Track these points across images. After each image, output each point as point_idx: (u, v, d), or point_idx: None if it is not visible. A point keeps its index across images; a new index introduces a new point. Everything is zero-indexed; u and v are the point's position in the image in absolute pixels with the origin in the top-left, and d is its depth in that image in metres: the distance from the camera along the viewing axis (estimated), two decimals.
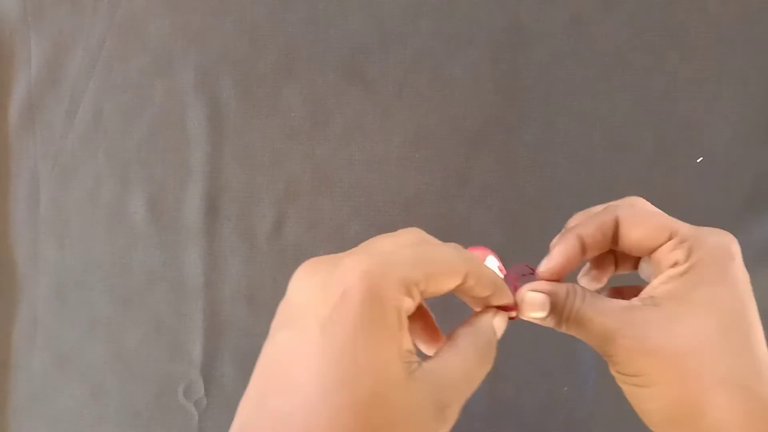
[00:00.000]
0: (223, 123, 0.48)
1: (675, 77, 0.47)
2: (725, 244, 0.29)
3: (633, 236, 0.30)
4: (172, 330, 0.48)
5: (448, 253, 0.27)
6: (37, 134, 0.49)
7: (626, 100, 0.47)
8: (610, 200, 0.46)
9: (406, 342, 0.24)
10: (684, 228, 0.29)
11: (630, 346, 0.27)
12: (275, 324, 0.26)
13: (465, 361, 0.26)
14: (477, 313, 0.29)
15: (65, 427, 0.48)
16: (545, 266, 0.32)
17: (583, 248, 0.32)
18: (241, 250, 0.48)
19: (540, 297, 0.30)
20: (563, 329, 0.30)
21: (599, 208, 0.33)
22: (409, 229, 0.28)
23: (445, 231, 0.47)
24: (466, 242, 0.48)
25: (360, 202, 0.47)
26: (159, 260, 0.48)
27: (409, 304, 0.25)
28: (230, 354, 0.48)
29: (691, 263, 0.28)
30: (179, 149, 0.48)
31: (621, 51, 0.47)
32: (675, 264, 0.29)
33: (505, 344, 0.48)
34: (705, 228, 0.29)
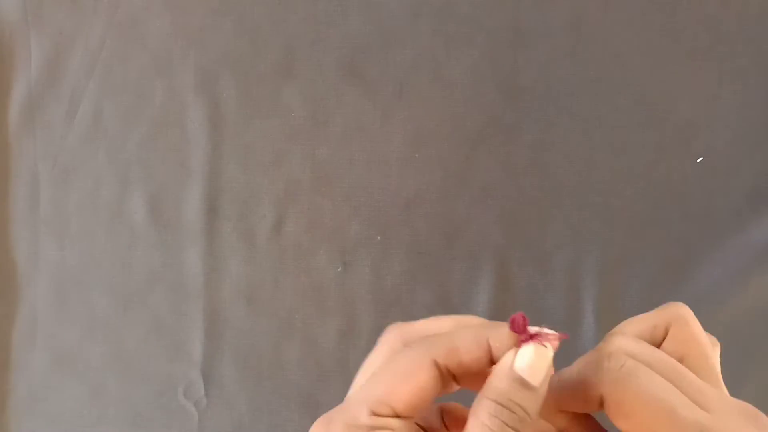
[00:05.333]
0: (223, 123, 0.48)
1: (675, 77, 0.47)
2: None
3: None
4: (172, 330, 0.48)
5: (399, 358, 0.23)
6: (37, 134, 0.49)
7: (626, 100, 0.47)
8: (610, 200, 0.47)
9: None
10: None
11: None
12: None
13: None
14: (492, 371, 0.23)
15: (65, 427, 0.48)
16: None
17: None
18: (241, 250, 0.48)
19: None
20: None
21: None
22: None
23: (445, 231, 0.47)
24: (467, 242, 0.48)
25: (360, 202, 0.48)
26: (159, 260, 0.48)
27: None
28: (230, 354, 0.48)
29: None
30: (179, 149, 0.48)
31: (621, 51, 0.47)
32: None
33: None
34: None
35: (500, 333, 0.22)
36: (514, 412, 0.21)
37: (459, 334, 0.23)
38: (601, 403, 0.22)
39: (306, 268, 0.48)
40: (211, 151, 0.48)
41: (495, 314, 0.46)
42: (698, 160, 0.47)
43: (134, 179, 0.48)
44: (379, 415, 0.22)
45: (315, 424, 0.23)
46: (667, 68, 0.47)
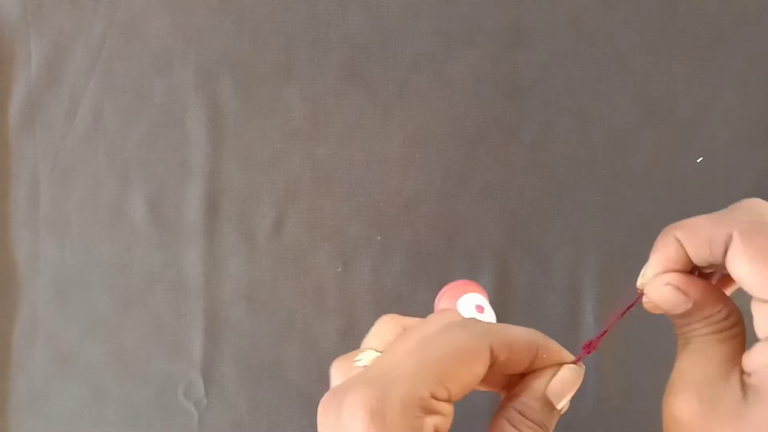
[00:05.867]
0: (223, 123, 0.48)
1: (675, 77, 0.47)
2: None
3: (744, 272, 0.21)
4: (172, 330, 0.48)
5: (458, 337, 0.22)
6: (37, 134, 0.49)
7: (626, 100, 0.47)
8: (610, 200, 0.47)
9: None
10: None
11: None
12: None
13: None
14: (524, 380, 0.23)
15: (65, 427, 0.48)
16: (647, 275, 0.25)
17: (686, 260, 0.24)
18: (241, 250, 0.48)
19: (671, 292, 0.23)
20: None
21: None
22: (436, 315, 0.24)
23: (445, 231, 0.47)
24: (467, 242, 0.48)
25: (360, 202, 0.48)
26: (159, 260, 0.48)
27: (437, 420, 0.21)
28: (230, 354, 0.48)
29: None
30: (179, 149, 0.48)
31: (621, 51, 0.47)
32: None
33: None
34: None
35: (554, 349, 0.24)
36: (543, 425, 0.23)
37: (515, 330, 0.23)
38: (725, 251, 0.22)
39: (306, 268, 0.48)
40: (211, 151, 0.48)
41: (495, 314, 0.46)
42: (698, 160, 0.47)
43: (134, 179, 0.48)
44: (436, 398, 0.21)
45: (353, 391, 0.21)
46: (667, 68, 0.47)
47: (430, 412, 0.21)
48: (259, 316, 0.48)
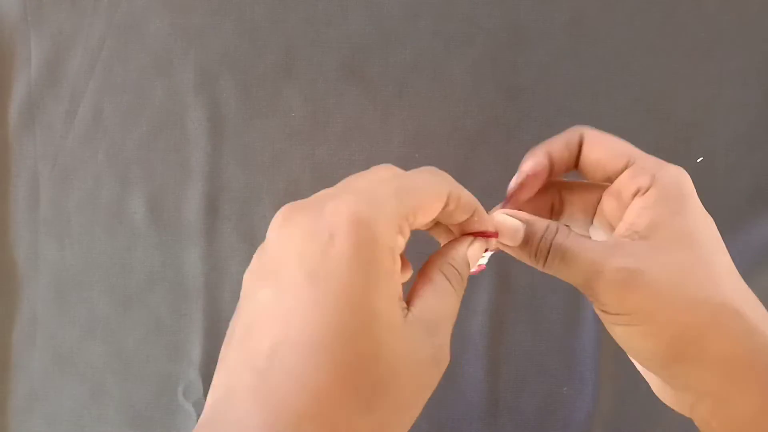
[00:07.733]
0: (223, 123, 0.48)
1: (675, 77, 0.47)
2: (682, 175, 0.30)
3: (594, 155, 0.31)
4: (172, 330, 0.48)
5: (427, 178, 0.26)
6: (37, 134, 0.49)
7: (626, 100, 0.47)
8: None
9: (399, 286, 0.23)
10: (642, 156, 0.30)
11: (621, 280, 0.26)
12: (251, 279, 0.25)
13: (446, 301, 0.25)
14: (450, 243, 0.28)
15: (65, 427, 0.48)
16: (515, 181, 0.32)
17: (551, 164, 0.31)
18: (241, 250, 0.48)
19: (513, 222, 0.30)
20: (542, 266, 0.29)
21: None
22: (381, 165, 0.27)
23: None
24: None
25: None
26: (159, 260, 0.48)
27: (401, 243, 0.24)
28: None
29: (659, 192, 0.28)
30: (179, 149, 0.48)
31: (621, 51, 0.47)
32: (638, 191, 0.28)
33: (504, 344, 0.48)
34: (657, 159, 0.30)
35: (485, 216, 0.30)
36: (462, 278, 0.27)
37: (465, 191, 0.28)
38: (577, 160, 0.31)
39: None
40: (211, 151, 0.48)
41: (495, 314, 0.46)
42: (698, 160, 0.47)
43: (134, 179, 0.48)
44: (408, 222, 0.24)
45: (338, 198, 0.23)
46: (667, 68, 0.47)
47: (401, 233, 0.24)
48: None
